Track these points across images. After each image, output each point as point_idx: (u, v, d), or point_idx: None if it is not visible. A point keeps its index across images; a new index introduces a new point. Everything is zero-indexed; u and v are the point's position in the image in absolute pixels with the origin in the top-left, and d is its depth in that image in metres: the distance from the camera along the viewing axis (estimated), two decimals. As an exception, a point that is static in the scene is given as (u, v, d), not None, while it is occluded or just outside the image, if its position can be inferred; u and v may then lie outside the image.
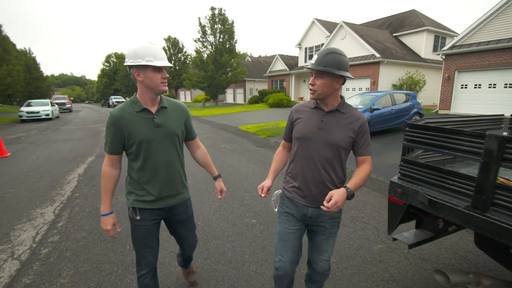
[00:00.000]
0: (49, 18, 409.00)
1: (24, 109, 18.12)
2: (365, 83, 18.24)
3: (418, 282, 2.38)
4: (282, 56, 29.60)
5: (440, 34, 19.96)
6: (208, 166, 1.98)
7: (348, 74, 1.46)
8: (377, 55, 16.74)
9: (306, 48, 26.41)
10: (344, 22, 19.24)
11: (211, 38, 28.39)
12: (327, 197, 1.39)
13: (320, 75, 1.46)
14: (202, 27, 28.15)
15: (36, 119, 18.04)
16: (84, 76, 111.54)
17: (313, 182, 1.58)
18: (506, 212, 1.28)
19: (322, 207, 1.39)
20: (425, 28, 19.07)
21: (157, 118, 1.63)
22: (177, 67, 40.26)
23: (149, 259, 1.76)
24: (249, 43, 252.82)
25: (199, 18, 28.60)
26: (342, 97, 1.58)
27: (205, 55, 28.52)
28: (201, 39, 28.53)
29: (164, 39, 41.33)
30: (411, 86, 16.76)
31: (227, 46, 28.14)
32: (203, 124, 14.57)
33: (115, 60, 60.53)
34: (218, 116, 17.81)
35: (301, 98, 26.46)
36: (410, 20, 21.09)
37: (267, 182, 1.72)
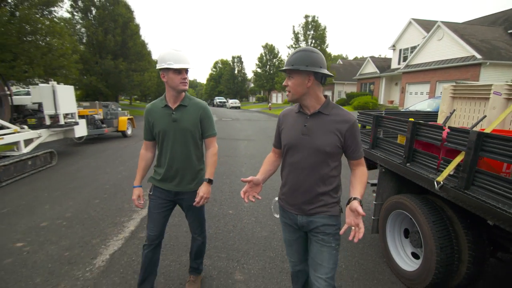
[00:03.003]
0: (172, 30, 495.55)
1: (157, 105, 24.59)
2: (463, 87, 16.88)
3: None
4: (373, 59, 29.09)
5: None
6: (208, 165, 2.01)
7: (319, 69, 1.36)
8: (478, 56, 15.43)
9: (400, 50, 25.47)
10: (442, 22, 18.19)
11: (303, 44, 30.53)
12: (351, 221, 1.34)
13: (290, 75, 1.42)
14: (296, 34, 30.67)
15: (164, 113, 24.16)
16: (196, 79, 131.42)
17: (300, 190, 1.52)
18: (380, 149, 2.96)
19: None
20: (553, 22, 16.18)
21: (175, 114, 1.85)
22: (271, 71, 43.84)
23: (150, 234, 1.96)
24: (343, 45, 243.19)
25: (293, 26, 31.43)
26: (326, 97, 1.50)
27: (296, 60, 30.84)
28: (293, 46, 31.05)
29: (262, 46, 45.44)
30: (523, 90, 14.71)
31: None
32: (286, 122, 16.85)
33: (220, 66, 69.60)
34: (301, 116, 19.77)
35: (391, 102, 25.55)
36: (534, 13, 18.05)
37: (255, 177, 1.58)
